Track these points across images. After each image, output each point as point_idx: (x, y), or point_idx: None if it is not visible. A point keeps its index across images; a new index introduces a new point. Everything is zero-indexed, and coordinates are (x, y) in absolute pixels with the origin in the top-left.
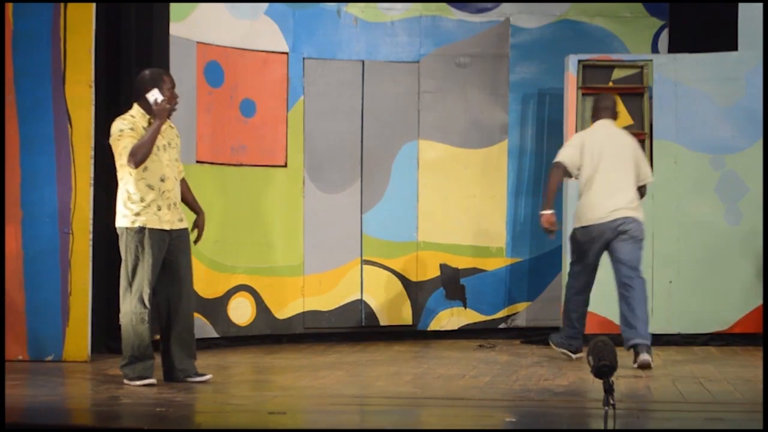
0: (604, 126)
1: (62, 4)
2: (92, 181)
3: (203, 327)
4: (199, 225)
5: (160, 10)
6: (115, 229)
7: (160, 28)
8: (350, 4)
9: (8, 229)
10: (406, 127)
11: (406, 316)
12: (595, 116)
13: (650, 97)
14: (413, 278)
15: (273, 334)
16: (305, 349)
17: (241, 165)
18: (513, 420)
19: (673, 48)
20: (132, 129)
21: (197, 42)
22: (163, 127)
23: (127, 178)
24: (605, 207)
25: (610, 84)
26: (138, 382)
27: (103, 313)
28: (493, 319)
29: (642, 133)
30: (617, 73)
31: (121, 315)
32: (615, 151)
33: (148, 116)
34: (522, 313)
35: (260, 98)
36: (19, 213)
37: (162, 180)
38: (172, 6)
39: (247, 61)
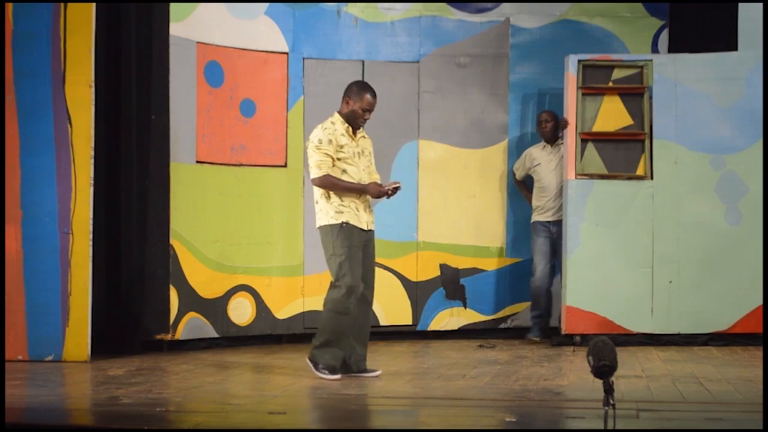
0: None
1: (62, 4)
2: (92, 181)
3: (203, 327)
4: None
5: (160, 10)
6: (116, 229)
7: (160, 28)
8: (350, 4)
9: (8, 229)
10: (406, 127)
11: (406, 316)
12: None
13: (650, 97)
14: (413, 278)
15: (273, 334)
16: (305, 349)
17: (241, 165)
18: (513, 420)
19: (673, 48)
20: (330, 141)
21: (197, 42)
22: (358, 135)
23: None
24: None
25: (610, 84)
26: (327, 376)
27: (103, 313)
28: (493, 319)
29: (642, 133)
30: (617, 73)
31: (325, 301)
32: None
33: (346, 124)
34: (522, 313)
35: (260, 98)
36: (19, 213)
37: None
38: (172, 6)
39: (247, 61)
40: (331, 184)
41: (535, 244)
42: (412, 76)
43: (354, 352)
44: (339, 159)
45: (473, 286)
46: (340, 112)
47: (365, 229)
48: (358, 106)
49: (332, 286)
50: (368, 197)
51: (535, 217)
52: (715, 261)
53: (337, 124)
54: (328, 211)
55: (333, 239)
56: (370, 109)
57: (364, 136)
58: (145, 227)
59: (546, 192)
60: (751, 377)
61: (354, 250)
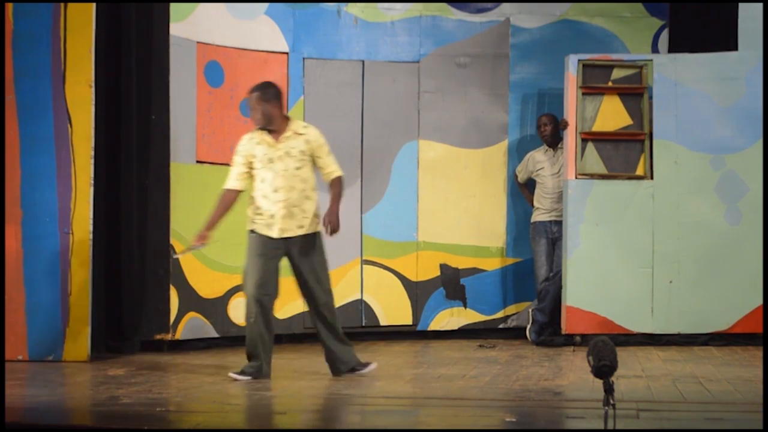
0: None
1: (62, 4)
2: (92, 181)
3: (203, 327)
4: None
5: (160, 10)
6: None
7: (160, 28)
8: (350, 4)
9: (8, 229)
10: (406, 127)
11: (406, 316)
12: None
13: (650, 97)
14: (413, 278)
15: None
16: (305, 349)
17: None
18: (513, 420)
19: (673, 48)
20: (238, 153)
21: (197, 42)
22: (284, 135)
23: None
24: None
25: (610, 84)
26: (236, 376)
27: (103, 313)
28: (493, 319)
29: (642, 133)
30: (617, 73)
31: None
32: None
33: (264, 130)
34: (522, 313)
35: None
36: (19, 213)
37: (275, 191)
38: (172, 6)
39: (247, 61)
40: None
41: (537, 245)
42: (412, 76)
43: (334, 356)
44: (256, 168)
45: (473, 286)
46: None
47: (275, 237)
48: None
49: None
50: (296, 201)
51: (536, 218)
52: (715, 261)
53: (254, 134)
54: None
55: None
56: (251, 107)
57: (297, 133)
58: (145, 227)
59: (548, 194)
60: (751, 377)
61: (255, 259)
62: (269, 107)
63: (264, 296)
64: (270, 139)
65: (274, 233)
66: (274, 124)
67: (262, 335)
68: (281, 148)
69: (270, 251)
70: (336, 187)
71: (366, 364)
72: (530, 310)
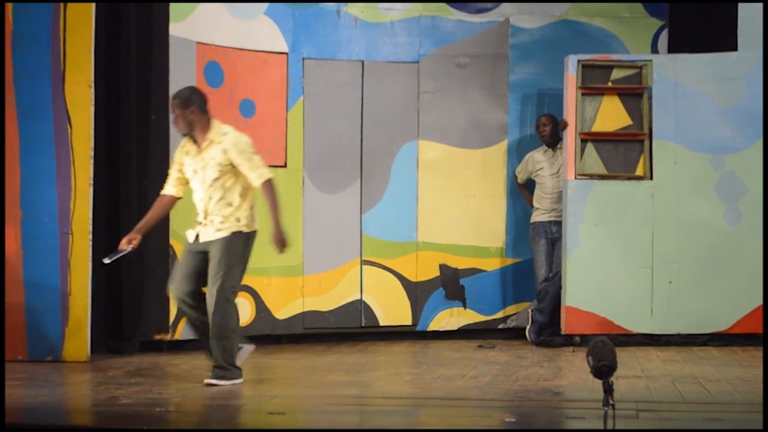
0: None
1: (62, 4)
2: (92, 181)
3: None
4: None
5: (160, 10)
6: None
7: (160, 28)
8: (350, 4)
9: (8, 229)
10: (405, 127)
11: (405, 316)
12: None
13: (650, 98)
14: (413, 278)
15: (273, 334)
16: (305, 349)
17: None
18: (513, 420)
19: (673, 48)
20: (173, 161)
21: (197, 42)
22: (204, 145)
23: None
24: None
25: (610, 84)
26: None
27: (102, 313)
28: (493, 319)
29: (642, 133)
30: (617, 74)
31: None
32: None
33: (191, 138)
34: (522, 313)
35: (260, 98)
36: (19, 213)
37: (200, 200)
38: (172, 6)
39: (246, 61)
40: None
41: (536, 245)
42: (411, 76)
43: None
44: (187, 176)
45: (473, 286)
46: None
47: (190, 241)
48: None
49: None
50: (213, 210)
51: (536, 218)
52: (715, 261)
53: (184, 141)
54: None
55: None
56: (174, 113)
57: (213, 142)
58: None
59: (548, 194)
60: (751, 377)
61: (180, 259)
62: (188, 114)
63: (181, 294)
64: (194, 148)
65: (190, 238)
66: (195, 130)
67: (197, 326)
68: (202, 158)
69: (186, 252)
70: (267, 195)
71: (218, 377)
72: (530, 311)
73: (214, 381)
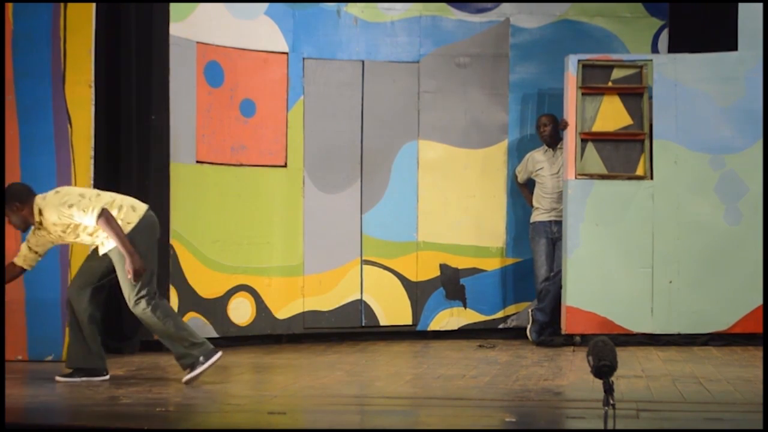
0: None
1: (62, 4)
2: (92, 181)
3: (203, 327)
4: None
5: (160, 10)
6: None
7: (160, 28)
8: (350, 4)
9: (8, 229)
10: (405, 127)
11: (406, 316)
12: None
13: (650, 97)
14: (413, 278)
15: (273, 334)
16: (305, 349)
17: (241, 165)
18: (513, 420)
19: (673, 48)
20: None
21: (197, 42)
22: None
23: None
24: None
25: (610, 84)
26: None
27: (103, 313)
28: (493, 319)
29: (642, 133)
30: (617, 73)
31: None
32: None
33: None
34: (522, 313)
35: (260, 98)
36: None
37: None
38: (172, 6)
39: (247, 61)
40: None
41: (537, 245)
42: (412, 76)
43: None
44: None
45: (473, 286)
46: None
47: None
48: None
49: None
50: (90, 240)
51: (536, 218)
52: (715, 261)
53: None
54: None
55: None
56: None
57: (39, 222)
58: None
59: (548, 194)
60: (751, 377)
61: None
62: (16, 211)
63: (72, 293)
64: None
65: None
66: (30, 220)
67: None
68: (43, 234)
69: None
70: (105, 227)
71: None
72: (530, 310)
73: (188, 376)
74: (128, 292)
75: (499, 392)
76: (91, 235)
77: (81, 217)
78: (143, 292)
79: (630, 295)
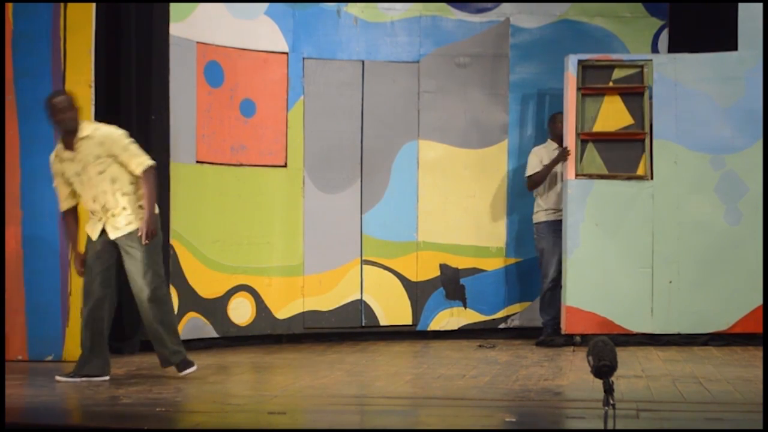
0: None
1: (62, 4)
2: None
3: (203, 327)
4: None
5: (160, 10)
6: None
7: (160, 28)
8: (350, 4)
9: (8, 229)
10: (406, 127)
11: (406, 316)
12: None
13: (650, 97)
14: (413, 278)
15: (273, 334)
16: (305, 349)
17: (241, 165)
18: (513, 420)
19: (673, 48)
20: (54, 174)
21: (197, 42)
22: (77, 144)
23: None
24: None
25: (610, 84)
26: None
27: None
28: (493, 319)
29: (642, 132)
30: (617, 73)
31: None
32: None
33: (61, 145)
34: (522, 313)
35: (260, 98)
36: (19, 213)
37: (94, 199)
38: (172, 6)
39: (247, 61)
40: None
41: (546, 243)
42: (412, 76)
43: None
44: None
45: (473, 286)
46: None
47: (93, 239)
48: (54, 117)
49: None
50: (108, 206)
51: (543, 218)
52: (715, 261)
53: (57, 149)
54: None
55: None
56: (61, 108)
57: (86, 137)
58: None
59: (555, 192)
60: (751, 377)
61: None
62: (75, 112)
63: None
64: (69, 149)
65: (93, 235)
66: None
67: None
68: (76, 158)
69: (90, 252)
70: (147, 182)
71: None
72: (542, 322)
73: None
74: (148, 278)
75: (499, 392)
76: (115, 194)
77: (136, 155)
78: (162, 277)
79: (630, 295)
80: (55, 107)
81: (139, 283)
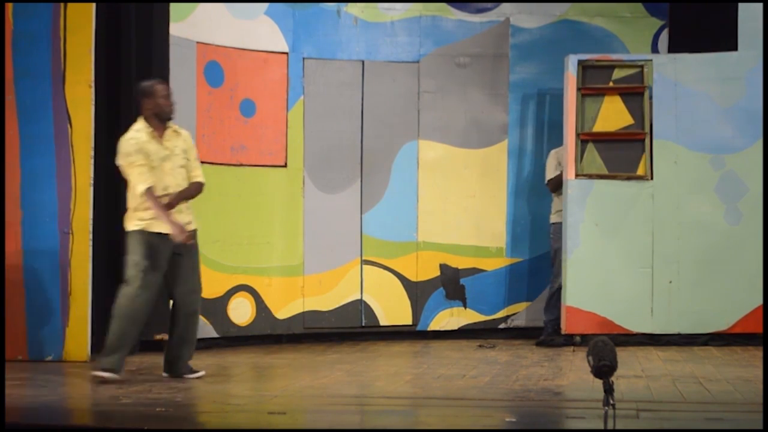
0: None
1: (62, 4)
2: (92, 181)
3: (203, 327)
4: None
5: (160, 10)
6: (116, 229)
7: (160, 28)
8: (350, 4)
9: (8, 229)
10: (406, 127)
11: (406, 316)
12: None
13: (650, 97)
14: (413, 278)
15: (273, 334)
16: (305, 349)
17: (241, 165)
18: (513, 420)
19: (673, 48)
20: (138, 151)
21: (197, 42)
22: (167, 134)
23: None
24: None
25: (611, 84)
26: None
27: (102, 313)
28: (493, 319)
29: (642, 132)
30: (617, 73)
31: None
32: None
33: (151, 128)
34: (522, 313)
35: (260, 98)
36: (19, 213)
37: (165, 189)
38: (172, 6)
39: (247, 61)
40: (151, 200)
41: (561, 244)
42: (412, 76)
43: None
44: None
45: (473, 286)
46: (144, 117)
47: (165, 233)
48: (156, 100)
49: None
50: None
51: (560, 218)
52: (715, 261)
53: (141, 132)
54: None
55: (132, 243)
56: (167, 95)
57: (175, 131)
58: None
59: None
60: (751, 377)
61: (151, 257)
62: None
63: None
64: (158, 137)
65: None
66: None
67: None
68: (167, 147)
69: (162, 249)
70: (191, 188)
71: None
72: (544, 322)
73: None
74: (197, 279)
75: (499, 392)
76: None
77: (199, 166)
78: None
79: (630, 295)
80: (159, 92)
81: (191, 283)
